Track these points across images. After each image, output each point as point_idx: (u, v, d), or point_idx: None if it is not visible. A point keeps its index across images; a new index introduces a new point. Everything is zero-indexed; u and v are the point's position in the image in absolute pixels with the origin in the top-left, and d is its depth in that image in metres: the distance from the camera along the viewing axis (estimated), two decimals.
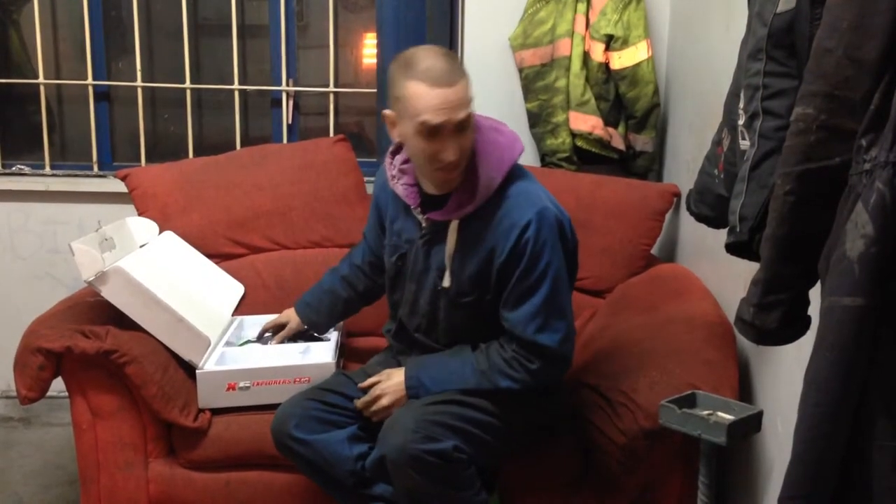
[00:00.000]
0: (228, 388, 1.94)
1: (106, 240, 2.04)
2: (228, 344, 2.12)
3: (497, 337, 1.77)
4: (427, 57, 1.62)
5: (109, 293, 1.92)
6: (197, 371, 1.95)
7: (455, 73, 1.62)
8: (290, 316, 2.15)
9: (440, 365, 1.80)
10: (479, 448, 1.70)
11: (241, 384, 1.94)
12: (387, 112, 1.70)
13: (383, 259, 1.94)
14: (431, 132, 1.60)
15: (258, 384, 1.94)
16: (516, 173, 1.74)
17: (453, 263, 1.75)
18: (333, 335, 2.17)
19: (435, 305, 1.82)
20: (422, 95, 1.59)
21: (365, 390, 1.83)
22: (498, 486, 1.86)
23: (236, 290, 2.39)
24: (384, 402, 1.79)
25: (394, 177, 1.81)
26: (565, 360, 1.76)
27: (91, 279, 1.89)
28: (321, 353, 2.07)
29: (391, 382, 1.80)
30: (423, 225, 1.78)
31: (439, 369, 1.79)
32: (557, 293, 1.71)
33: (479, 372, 1.74)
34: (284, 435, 1.78)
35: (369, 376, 1.86)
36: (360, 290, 2.11)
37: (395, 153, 1.84)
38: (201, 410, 1.94)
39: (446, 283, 1.76)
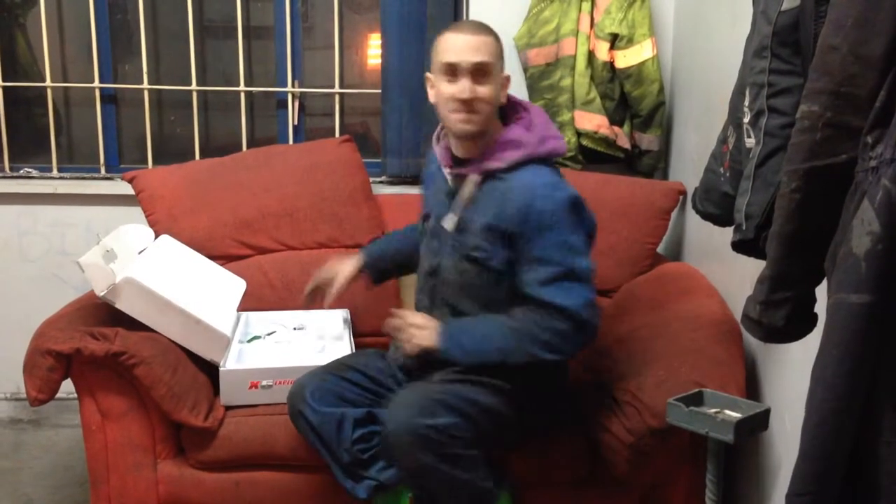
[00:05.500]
0: (251, 387, 1.96)
1: (108, 251, 2.05)
2: (238, 341, 2.14)
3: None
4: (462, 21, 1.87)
5: (124, 304, 1.93)
6: (220, 370, 1.96)
7: (482, 29, 1.79)
8: (335, 269, 2.08)
9: (472, 326, 1.82)
10: (477, 431, 1.72)
11: (264, 383, 1.96)
12: (427, 73, 1.87)
13: None
14: (450, 72, 1.76)
15: (280, 383, 1.96)
16: (554, 170, 1.82)
17: (463, 211, 1.81)
18: (346, 335, 2.18)
19: (444, 258, 1.87)
20: (447, 39, 1.79)
21: None
22: (508, 485, 1.86)
23: (238, 285, 2.40)
24: (416, 336, 1.81)
25: (438, 138, 1.93)
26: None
27: (105, 293, 1.90)
28: (339, 351, 2.08)
29: (426, 332, 1.81)
30: (449, 181, 1.87)
31: (473, 331, 1.81)
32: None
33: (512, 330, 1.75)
34: (299, 399, 1.81)
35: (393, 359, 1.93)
36: None
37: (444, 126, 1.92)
38: (227, 408, 1.97)
39: (448, 224, 1.83)
